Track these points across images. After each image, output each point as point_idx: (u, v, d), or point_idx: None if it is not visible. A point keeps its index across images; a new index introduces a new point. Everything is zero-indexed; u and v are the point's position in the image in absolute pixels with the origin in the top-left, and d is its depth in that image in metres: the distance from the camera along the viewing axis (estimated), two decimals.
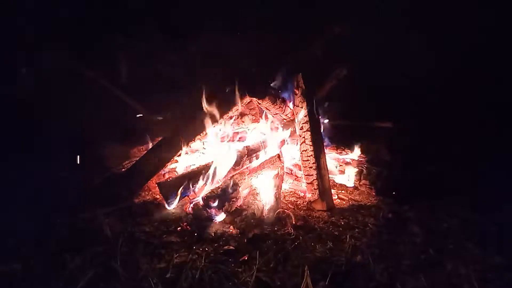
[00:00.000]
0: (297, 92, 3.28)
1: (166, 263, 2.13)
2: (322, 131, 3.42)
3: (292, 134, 3.60)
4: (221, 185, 2.84)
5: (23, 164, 3.21)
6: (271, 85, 3.40)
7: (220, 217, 2.65)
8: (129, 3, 4.54)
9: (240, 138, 3.67)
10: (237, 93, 3.09)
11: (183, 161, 3.35)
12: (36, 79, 4.15)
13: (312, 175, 3.11)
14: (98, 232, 2.42)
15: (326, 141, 3.65)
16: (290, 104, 3.41)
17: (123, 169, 3.48)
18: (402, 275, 2.14)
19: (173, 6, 4.56)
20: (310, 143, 3.13)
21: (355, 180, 3.60)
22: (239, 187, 2.92)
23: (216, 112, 3.18)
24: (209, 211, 2.65)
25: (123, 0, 4.55)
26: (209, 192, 2.74)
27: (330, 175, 3.29)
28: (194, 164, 3.26)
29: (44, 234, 2.37)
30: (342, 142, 3.94)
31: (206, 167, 2.93)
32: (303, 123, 3.20)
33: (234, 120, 3.56)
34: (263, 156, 3.36)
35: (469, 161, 3.88)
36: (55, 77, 4.11)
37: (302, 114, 3.23)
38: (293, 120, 3.47)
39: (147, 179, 3.09)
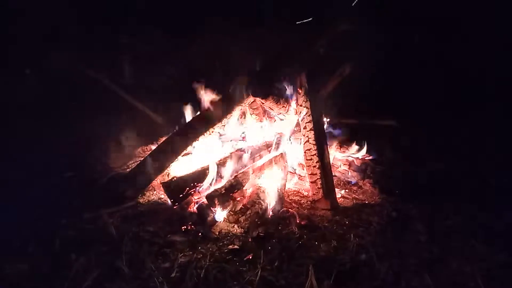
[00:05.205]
0: (300, 91, 3.27)
1: (171, 262, 2.13)
2: (325, 130, 3.41)
3: (296, 133, 3.60)
4: (224, 184, 2.84)
5: (28, 164, 3.22)
6: (274, 84, 3.39)
7: (222, 215, 2.65)
8: (130, 2, 4.55)
9: (243, 137, 3.67)
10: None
11: (187, 161, 3.35)
12: (39, 79, 4.17)
13: (315, 174, 3.10)
14: (103, 232, 2.44)
15: (330, 140, 3.64)
16: (294, 104, 3.41)
17: (127, 169, 3.49)
18: (407, 273, 2.13)
19: (175, 4, 4.57)
20: (314, 142, 3.13)
21: (358, 179, 3.60)
22: (243, 186, 2.92)
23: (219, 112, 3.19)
24: (213, 210, 2.65)
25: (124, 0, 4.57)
26: (213, 191, 2.74)
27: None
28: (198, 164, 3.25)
29: (49, 234, 2.37)
30: (346, 141, 3.92)
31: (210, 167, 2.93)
32: (306, 122, 3.20)
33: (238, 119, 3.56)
34: (266, 155, 3.37)
35: (473, 159, 3.86)
36: (59, 78, 4.12)
37: (305, 113, 3.23)
38: (296, 119, 3.47)
39: (152, 179, 3.10)
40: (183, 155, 3.26)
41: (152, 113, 4.47)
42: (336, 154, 3.77)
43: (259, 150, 3.30)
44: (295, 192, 3.37)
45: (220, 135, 3.47)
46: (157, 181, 3.17)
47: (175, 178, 2.80)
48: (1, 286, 1.98)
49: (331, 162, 3.27)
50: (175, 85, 4.56)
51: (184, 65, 4.58)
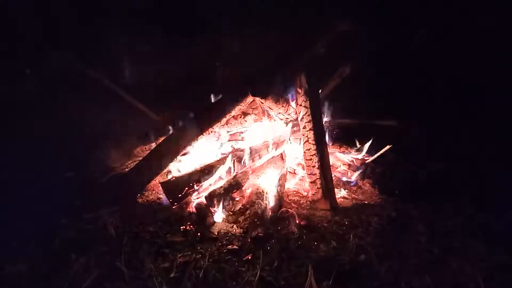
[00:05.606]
0: (300, 91, 3.27)
1: (170, 262, 2.14)
2: (325, 130, 3.40)
3: (295, 133, 3.60)
4: (224, 184, 2.84)
5: (27, 164, 3.23)
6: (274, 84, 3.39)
7: (221, 215, 2.66)
8: (131, 2, 4.55)
9: (242, 137, 3.67)
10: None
11: (186, 161, 3.35)
12: (39, 80, 4.17)
13: (315, 174, 3.10)
14: (102, 232, 2.44)
15: (329, 140, 3.64)
16: (293, 103, 3.41)
17: (126, 169, 3.49)
18: (407, 274, 2.13)
19: (175, 5, 4.57)
20: (313, 142, 3.12)
21: (358, 179, 3.60)
22: (242, 186, 2.92)
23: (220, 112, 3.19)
24: (212, 210, 2.66)
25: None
26: (212, 191, 2.74)
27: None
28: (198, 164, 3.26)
29: (48, 234, 2.38)
30: (346, 141, 3.92)
31: (210, 167, 2.93)
32: (306, 122, 3.19)
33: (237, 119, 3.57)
34: (266, 155, 3.36)
35: (473, 159, 3.85)
36: (58, 78, 4.13)
37: (305, 113, 3.22)
38: (296, 119, 3.46)
39: (151, 179, 3.10)
40: (182, 155, 3.26)
41: (151, 113, 4.47)
42: (336, 154, 3.76)
43: (258, 150, 3.30)
44: (294, 192, 3.37)
45: (219, 135, 3.48)
46: (156, 181, 3.17)
47: (174, 178, 2.80)
48: (1, 286, 1.98)
49: (330, 162, 3.26)
50: (175, 85, 4.56)
51: (185, 65, 4.58)
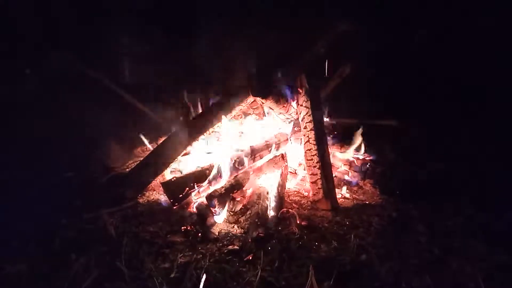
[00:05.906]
0: (300, 91, 3.27)
1: (170, 263, 2.13)
2: (326, 130, 3.40)
3: (296, 133, 3.60)
4: (224, 184, 2.84)
5: (27, 164, 3.22)
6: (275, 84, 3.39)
7: (222, 216, 2.65)
8: (131, 2, 4.55)
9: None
10: None
11: (188, 161, 3.35)
12: (39, 80, 4.17)
13: (316, 174, 3.10)
14: (102, 232, 2.44)
15: (330, 140, 3.64)
16: (294, 104, 3.40)
17: (127, 169, 3.49)
18: (408, 274, 2.13)
19: (175, 5, 4.57)
20: (314, 142, 3.12)
21: (359, 179, 3.60)
22: (243, 186, 2.92)
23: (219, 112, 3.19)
24: (213, 210, 2.65)
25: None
26: (213, 191, 2.74)
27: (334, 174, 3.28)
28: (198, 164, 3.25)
29: (48, 234, 2.38)
30: (347, 141, 3.91)
31: (211, 167, 2.93)
32: (306, 122, 3.19)
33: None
34: (267, 155, 3.36)
35: (473, 159, 3.86)
36: (58, 78, 4.13)
37: (305, 113, 3.22)
38: (297, 119, 3.46)
39: (152, 179, 3.09)
40: (183, 155, 3.26)
41: (152, 113, 4.47)
42: (336, 154, 3.76)
43: (259, 150, 3.30)
44: (295, 192, 3.36)
45: (220, 135, 3.47)
46: (157, 181, 3.17)
47: (174, 178, 2.80)
48: (1, 286, 1.98)
49: (331, 162, 3.26)
50: (175, 85, 4.56)
51: (184, 65, 4.58)
